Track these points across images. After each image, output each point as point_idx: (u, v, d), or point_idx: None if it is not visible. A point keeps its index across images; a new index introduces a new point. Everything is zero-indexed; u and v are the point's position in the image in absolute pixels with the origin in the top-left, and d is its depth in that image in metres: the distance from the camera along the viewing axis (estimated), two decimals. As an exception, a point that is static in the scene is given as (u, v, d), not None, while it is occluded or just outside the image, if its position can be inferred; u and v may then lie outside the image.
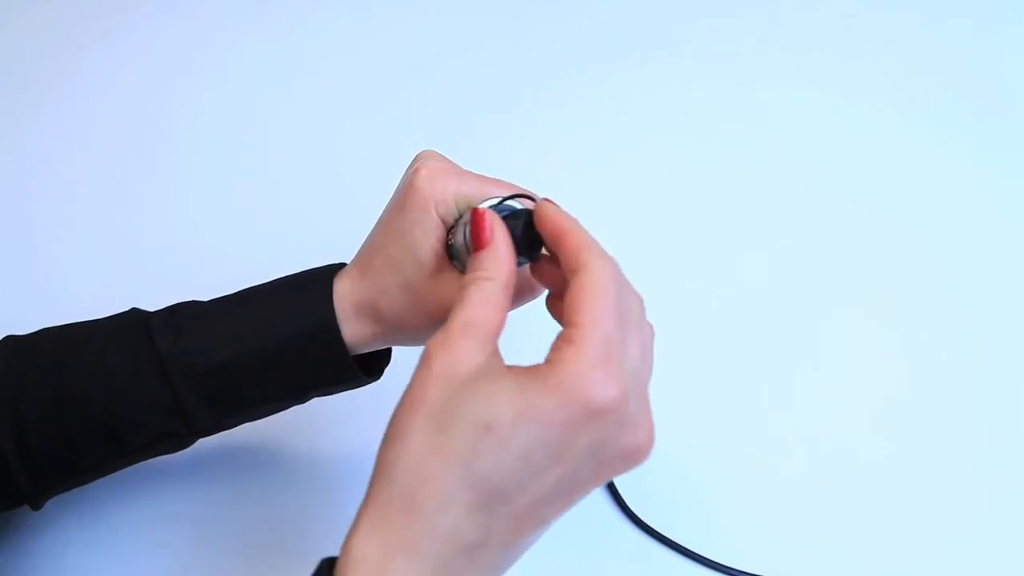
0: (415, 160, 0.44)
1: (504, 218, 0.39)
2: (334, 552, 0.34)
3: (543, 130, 0.73)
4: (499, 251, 0.37)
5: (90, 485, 0.50)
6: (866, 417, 0.61)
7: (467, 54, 0.79)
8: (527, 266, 0.42)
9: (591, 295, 0.34)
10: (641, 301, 0.38)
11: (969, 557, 0.55)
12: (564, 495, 0.33)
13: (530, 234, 0.38)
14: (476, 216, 0.38)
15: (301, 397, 0.48)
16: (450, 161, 0.44)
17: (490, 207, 0.40)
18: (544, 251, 0.40)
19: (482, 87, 0.77)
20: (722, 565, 0.54)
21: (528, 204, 0.41)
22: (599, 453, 0.33)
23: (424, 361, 0.34)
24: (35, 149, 0.73)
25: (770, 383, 0.62)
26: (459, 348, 0.34)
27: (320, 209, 0.67)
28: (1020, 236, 0.69)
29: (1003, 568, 0.54)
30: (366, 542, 0.32)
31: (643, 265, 0.66)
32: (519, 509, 0.32)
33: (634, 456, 0.34)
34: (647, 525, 0.56)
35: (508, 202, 0.41)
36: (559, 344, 0.33)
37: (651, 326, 0.38)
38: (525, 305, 0.44)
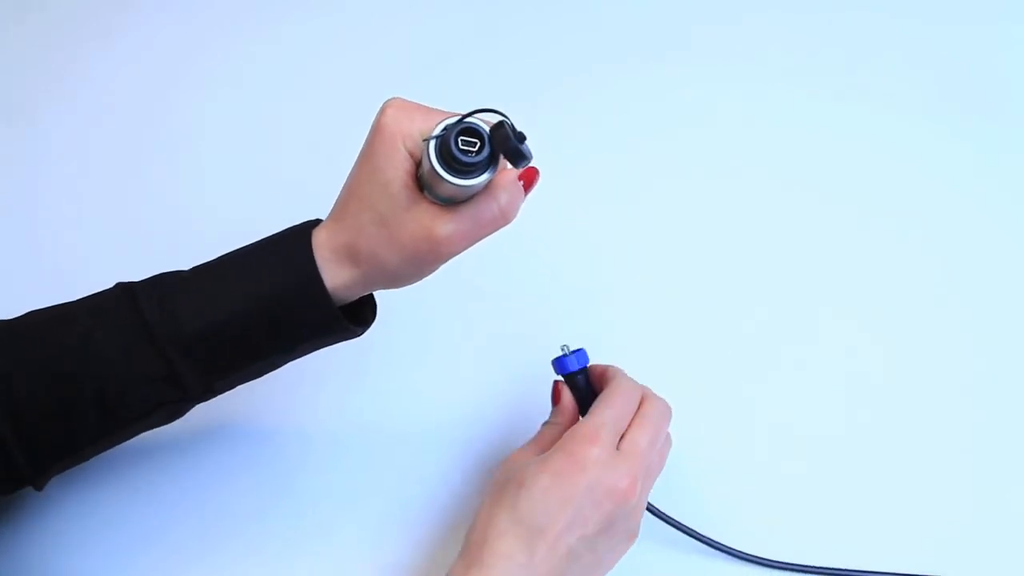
0: (383, 104, 0.45)
1: (492, 133, 0.40)
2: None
3: (544, 131, 0.72)
4: (564, 410, 0.54)
5: (91, 466, 0.50)
6: (866, 420, 0.61)
7: (468, 56, 0.79)
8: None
9: (602, 400, 0.51)
10: (660, 408, 0.52)
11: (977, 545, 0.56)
12: (578, 529, 0.46)
13: (516, 138, 0.39)
14: (556, 387, 0.55)
15: (291, 352, 0.48)
16: (415, 102, 0.45)
17: (450, 124, 0.41)
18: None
19: (483, 89, 0.77)
20: (723, 545, 0.55)
21: (489, 118, 0.41)
22: (592, 493, 0.47)
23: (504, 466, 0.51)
24: (33, 146, 0.73)
25: (767, 378, 0.63)
26: (522, 456, 0.51)
27: (317, 211, 0.67)
28: (1019, 236, 0.69)
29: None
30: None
31: (645, 264, 0.67)
32: (549, 539, 0.46)
33: (614, 494, 0.47)
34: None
35: (468, 118, 0.41)
36: None
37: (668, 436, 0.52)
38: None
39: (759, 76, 0.78)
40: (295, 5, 0.82)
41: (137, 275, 0.49)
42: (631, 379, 0.52)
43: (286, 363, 0.49)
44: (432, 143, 0.40)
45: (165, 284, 0.47)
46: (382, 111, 0.44)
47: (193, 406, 0.49)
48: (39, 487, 0.49)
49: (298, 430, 0.60)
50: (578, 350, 0.54)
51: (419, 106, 0.44)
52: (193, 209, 0.70)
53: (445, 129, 0.41)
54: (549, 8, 0.82)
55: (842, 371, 0.63)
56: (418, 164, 0.43)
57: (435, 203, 0.43)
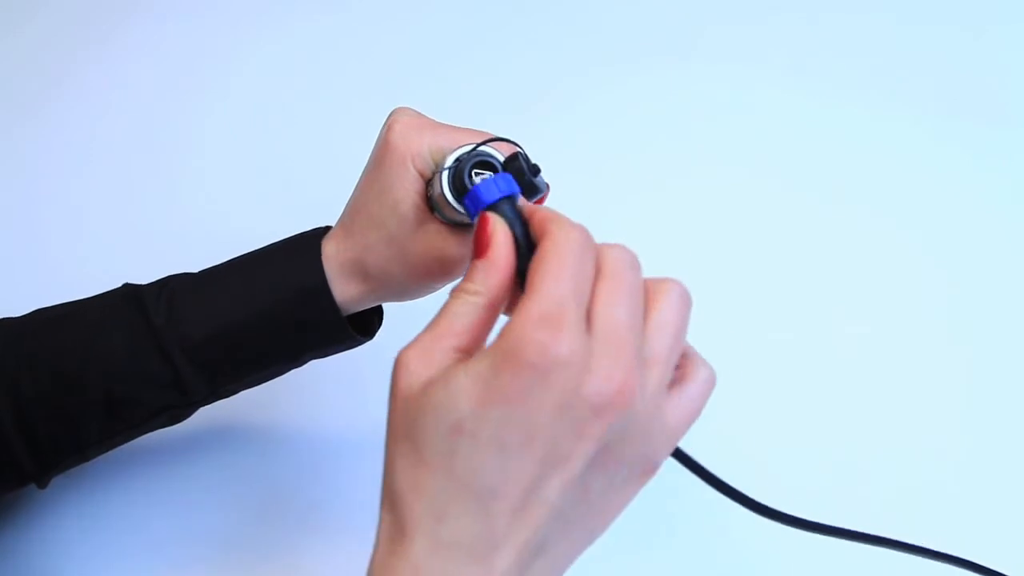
0: (389, 117, 0.44)
1: (505, 165, 0.39)
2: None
3: (544, 132, 0.73)
4: (493, 265, 0.33)
5: (94, 465, 0.50)
6: (871, 422, 0.61)
7: (471, 57, 0.79)
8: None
9: (544, 260, 0.31)
10: (624, 257, 0.33)
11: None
12: (556, 473, 0.31)
13: (531, 170, 0.38)
14: (480, 220, 0.34)
15: (297, 360, 0.48)
16: (423, 115, 0.44)
17: (463, 154, 0.40)
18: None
19: (484, 89, 0.77)
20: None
21: (504, 148, 0.41)
22: (568, 413, 0.30)
23: (392, 375, 0.33)
24: (37, 147, 0.74)
25: (769, 379, 0.63)
26: (418, 364, 0.32)
27: (323, 213, 0.68)
28: (1019, 237, 0.69)
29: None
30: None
31: (646, 265, 0.67)
32: (513, 501, 0.30)
33: (602, 407, 0.30)
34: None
35: (483, 147, 0.40)
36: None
37: (670, 284, 0.34)
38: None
39: (760, 78, 0.78)
40: (297, 7, 0.83)
41: (141, 275, 0.49)
42: (570, 226, 0.33)
43: (291, 370, 0.49)
44: (445, 174, 0.40)
45: (172, 287, 0.47)
46: (389, 127, 0.43)
47: (197, 409, 0.49)
48: (42, 485, 0.49)
49: (305, 431, 0.60)
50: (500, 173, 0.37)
51: (427, 122, 0.44)
52: (196, 209, 0.70)
53: (459, 160, 0.40)
54: (550, 9, 0.82)
55: (843, 372, 0.63)
56: (427, 183, 0.43)
57: (445, 223, 0.43)
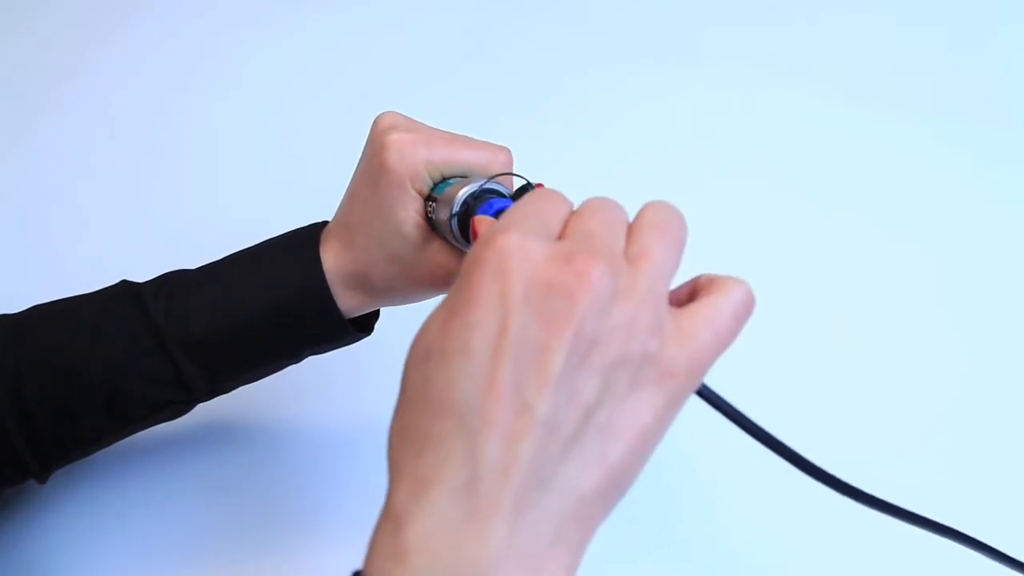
0: (376, 127, 0.44)
1: (515, 197, 0.39)
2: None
3: (546, 132, 0.73)
4: None
5: (94, 462, 0.50)
6: (870, 433, 0.61)
7: (472, 56, 0.79)
8: None
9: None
10: (603, 198, 0.32)
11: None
12: (535, 373, 0.27)
13: None
14: (472, 225, 0.37)
15: (296, 356, 0.49)
16: (413, 124, 0.44)
17: (469, 196, 0.40)
18: None
19: (485, 89, 0.77)
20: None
21: (505, 182, 0.41)
22: (531, 301, 0.27)
23: None
24: (40, 145, 0.74)
25: (772, 383, 0.62)
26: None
27: (322, 212, 0.68)
28: (1019, 240, 0.69)
29: None
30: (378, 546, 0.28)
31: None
32: (493, 413, 0.26)
33: (567, 289, 0.27)
34: None
35: (489, 185, 0.40)
36: None
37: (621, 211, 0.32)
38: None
39: (761, 78, 0.78)
40: (297, 7, 0.83)
41: (139, 271, 0.49)
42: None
43: (289, 365, 0.50)
44: (455, 222, 0.40)
45: (172, 285, 0.47)
46: (383, 146, 0.42)
47: (197, 405, 0.49)
48: (42, 480, 0.49)
49: (303, 428, 0.60)
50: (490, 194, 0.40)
51: (421, 137, 0.43)
52: (196, 208, 0.70)
53: (466, 203, 0.40)
54: (550, 9, 0.82)
55: (844, 374, 0.63)
56: (426, 199, 0.43)
57: (447, 240, 0.43)
